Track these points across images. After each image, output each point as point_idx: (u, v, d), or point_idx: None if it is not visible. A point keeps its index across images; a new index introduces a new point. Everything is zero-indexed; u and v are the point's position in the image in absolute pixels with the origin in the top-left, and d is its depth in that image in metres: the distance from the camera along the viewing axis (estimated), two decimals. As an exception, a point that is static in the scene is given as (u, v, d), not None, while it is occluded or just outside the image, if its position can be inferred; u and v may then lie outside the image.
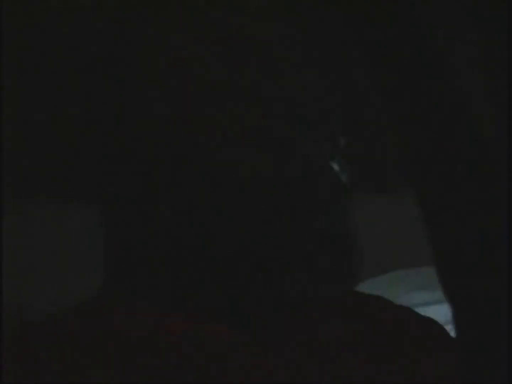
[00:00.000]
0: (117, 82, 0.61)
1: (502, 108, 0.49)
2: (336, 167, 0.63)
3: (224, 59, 0.60)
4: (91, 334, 0.59)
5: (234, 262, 0.59)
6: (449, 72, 0.50)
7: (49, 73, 0.63)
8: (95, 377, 0.56)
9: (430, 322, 0.67)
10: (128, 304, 0.61)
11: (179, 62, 0.60)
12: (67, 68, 0.62)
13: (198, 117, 0.59)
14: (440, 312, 0.93)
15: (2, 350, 0.56)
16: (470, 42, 0.50)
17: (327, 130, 0.63)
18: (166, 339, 0.59)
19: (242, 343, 0.59)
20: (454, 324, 0.50)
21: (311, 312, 0.64)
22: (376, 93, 0.52)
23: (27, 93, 0.69)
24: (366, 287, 1.70)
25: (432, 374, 0.62)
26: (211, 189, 0.59)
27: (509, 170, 0.48)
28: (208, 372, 0.57)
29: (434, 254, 0.50)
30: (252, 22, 0.62)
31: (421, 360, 0.62)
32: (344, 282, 0.61)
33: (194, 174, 0.59)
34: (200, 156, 0.59)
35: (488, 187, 0.48)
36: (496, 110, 0.49)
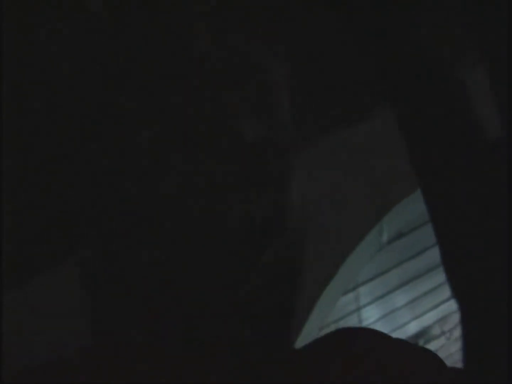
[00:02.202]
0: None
1: (503, 108, 0.50)
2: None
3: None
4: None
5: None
6: (451, 74, 0.51)
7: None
8: None
9: (424, 353, 0.64)
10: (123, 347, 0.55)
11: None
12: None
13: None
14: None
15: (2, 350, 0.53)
16: (471, 43, 0.50)
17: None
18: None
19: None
20: (461, 323, 0.52)
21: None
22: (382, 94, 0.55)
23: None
24: (410, 200, 1.72)
25: None
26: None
27: (510, 170, 0.49)
28: None
29: (441, 254, 0.53)
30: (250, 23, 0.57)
31: None
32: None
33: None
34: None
35: (491, 186, 0.49)
36: (498, 110, 0.50)
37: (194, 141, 0.52)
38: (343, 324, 2.67)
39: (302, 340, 1.17)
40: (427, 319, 2.94)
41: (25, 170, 0.62)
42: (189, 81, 0.53)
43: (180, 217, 0.51)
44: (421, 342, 2.91)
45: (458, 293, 0.53)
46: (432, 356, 0.62)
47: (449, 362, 0.62)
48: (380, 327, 2.81)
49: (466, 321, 0.53)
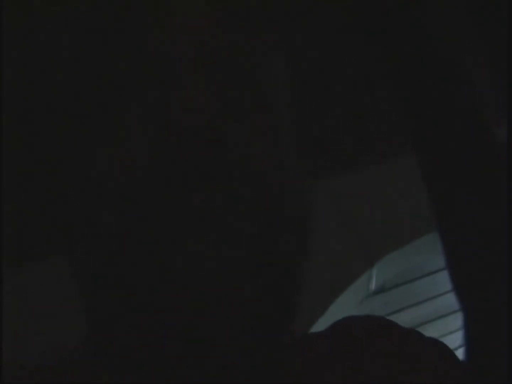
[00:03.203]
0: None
1: (504, 108, 0.51)
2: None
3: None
4: None
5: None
6: (453, 74, 0.51)
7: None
8: None
9: (434, 343, 0.62)
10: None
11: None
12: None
13: None
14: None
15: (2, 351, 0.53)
16: (474, 44, 0.54)
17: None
18: None
19: None
20: (462, 324, 0.52)
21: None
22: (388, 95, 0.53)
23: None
24: (404, 252, 1.70)
25: None
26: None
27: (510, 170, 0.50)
28: None
29: (443, 254, 0.52)
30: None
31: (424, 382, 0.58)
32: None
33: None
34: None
35: (492, 187, 0.50)
36: (500, 111, 0.51)
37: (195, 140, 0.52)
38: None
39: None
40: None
41: (25, 170, 0.61)
42: (188, 81, 0.52)
43: (182, 216, 0.51)
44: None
45: (459, 293, 0.53)
46: (442, 347, 0.61)
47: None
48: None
49: (467, 321, 0.53)
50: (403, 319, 2.58)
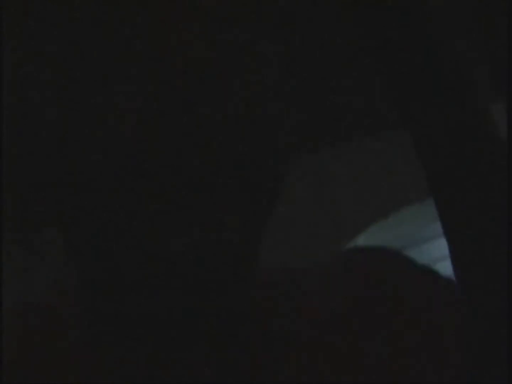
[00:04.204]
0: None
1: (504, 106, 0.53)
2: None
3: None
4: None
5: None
6: (457, 75, 0.52)
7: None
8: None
9: (434, 275, 0.64)
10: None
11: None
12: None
13: None
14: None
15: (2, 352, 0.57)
16: (474, 44, 0.52)
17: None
18: None
19: None
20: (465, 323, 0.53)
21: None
22: (387, 93, 0.54)
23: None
24: (389, 222, 1.68)
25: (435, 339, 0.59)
26: None
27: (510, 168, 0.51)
28: None
29: (449, 249, 0.53)
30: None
31: (421, 319, 0.60)
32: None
33: None
34: None
35: (494, 187, 0.51)
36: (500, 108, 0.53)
37: (190, 136, 0.52)
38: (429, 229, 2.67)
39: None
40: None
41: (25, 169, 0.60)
42: (187, 81, 0.52)
43: (179, 212, 0.52)
44: None
45: (464, 288, 0.53)
46: (442, 281, 0.62)
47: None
48: None
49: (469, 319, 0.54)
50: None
